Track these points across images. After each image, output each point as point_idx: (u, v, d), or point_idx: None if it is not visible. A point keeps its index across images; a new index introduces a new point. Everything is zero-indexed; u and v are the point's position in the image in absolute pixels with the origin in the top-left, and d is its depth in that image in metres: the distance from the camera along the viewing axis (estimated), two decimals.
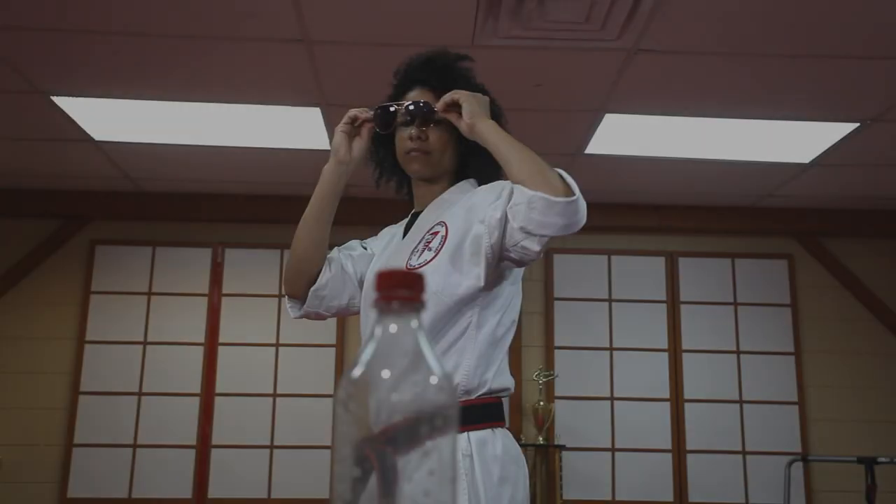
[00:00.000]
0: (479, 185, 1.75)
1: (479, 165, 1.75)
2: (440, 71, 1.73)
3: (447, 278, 1.58)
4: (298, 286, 1.84)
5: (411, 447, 0.67)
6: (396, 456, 0.69)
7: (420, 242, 1.65)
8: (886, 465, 4.16)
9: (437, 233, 1.63)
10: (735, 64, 3.13)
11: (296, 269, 1.83)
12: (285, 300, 1.88)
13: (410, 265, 1.63)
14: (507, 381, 1.66)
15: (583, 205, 1.49)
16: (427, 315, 1.51)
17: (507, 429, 1.70)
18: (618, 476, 4.63)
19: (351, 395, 0.67)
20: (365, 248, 1.91)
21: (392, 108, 1.69)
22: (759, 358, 4.79)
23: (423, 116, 1.67)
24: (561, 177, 1.50)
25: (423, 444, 0.66)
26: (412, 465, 0.67)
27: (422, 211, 1.74)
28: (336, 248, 1.91)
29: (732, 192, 4.67)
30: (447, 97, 1.63)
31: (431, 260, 1.60)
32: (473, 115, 1.59)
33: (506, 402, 1.70)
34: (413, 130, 1.67)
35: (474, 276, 1.57)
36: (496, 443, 1.58)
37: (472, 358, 1.58)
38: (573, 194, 1.47)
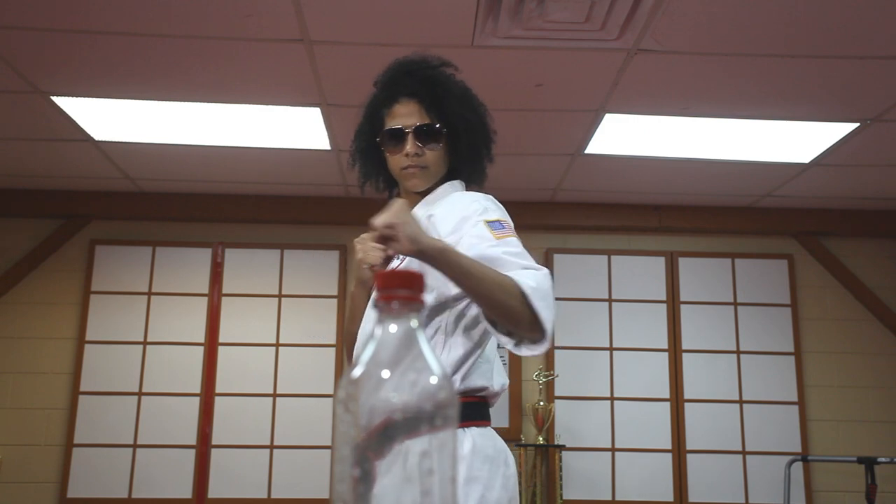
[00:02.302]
0: (466, 185, 1.81)
1: (468, 172, 1.81)
2: (426, 81, 1.76)
3: None
4: None
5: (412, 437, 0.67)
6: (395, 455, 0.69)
7: None
8: (886, 465, 4.17)
9: None
10: (735, 64, 3.13)
11: None
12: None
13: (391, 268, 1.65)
14: (484, 381, 1.66)
15: (550, 333, 1.50)
16: None
17: (493, 428, 1.70)
18: (618, 476, 4.63)
19: (351, 395, 0.67)
20: None
21: (406, 131, 1.73)
22: (759, 358, 4.79)
23: (433, 139, 1.73)
24: (531, 307, 1.47)
25: (422, 443, 0.66)
26: (411, 463, 0.67)
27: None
28: None
29: (732, 192, 4.67)
30: (378, 233, 1.49)
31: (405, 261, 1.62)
32: (413, 241, 1.46)
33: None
34: (409, 147, 1.71)
35: (439, 291, 1.61)
36: (464, 442, 1.58)
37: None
38: (544, 334, 1.49)
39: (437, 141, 1.73)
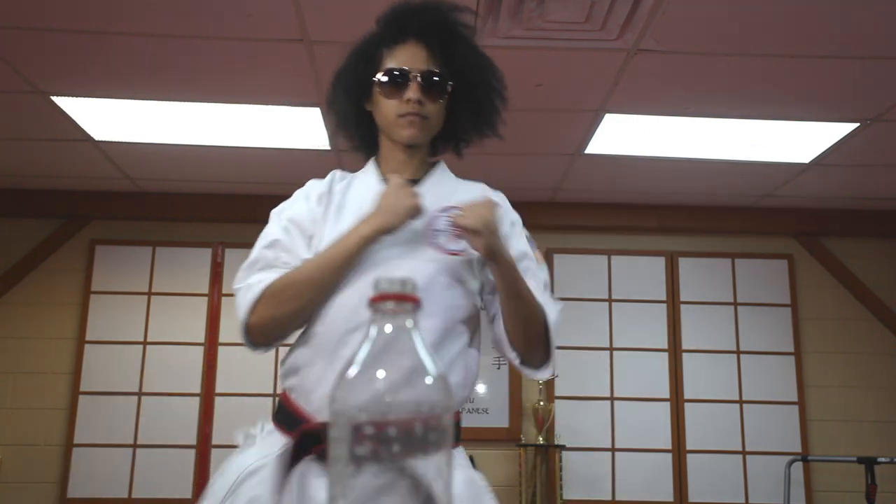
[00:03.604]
0: (451, 151, 1.70)
1: (464, 140, 1.69)
2: (438, 27, 1.59)
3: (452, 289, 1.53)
4: (281, 339, 1.65)
5: (408, 447, 0.67)
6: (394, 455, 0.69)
7: (446, 224, 1.52)
8: (886, 465, 4.16)
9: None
10: (735, 64, 3.13)
11: (289, 326, 1.63)
12: (249, 347, 1.65)
13: (451, 249, 1.51)
14: None
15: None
16: (433, 322, 1.48)
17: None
18: (618, 476, 4.62)
19: (345, 396, 0.67)
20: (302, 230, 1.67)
21: (413, 75, 1.54)
22: (759, 358, 4.78)
23: (438, 90, 1.56)
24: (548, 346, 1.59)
25: (421, 443, 0.66)
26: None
27: (407, 179, 1.57)
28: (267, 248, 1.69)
29: (732, 192, 4.66)
30: (463, 225, 1.42)
31: (462, 252, 1.50)
32: (491, 252, 1.44)
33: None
34: (413, 94, 1.53)
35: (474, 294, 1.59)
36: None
37: (460, 374, 1.54)
38: (547, 364, 1.62)
39: (442, 93, 1.57)
